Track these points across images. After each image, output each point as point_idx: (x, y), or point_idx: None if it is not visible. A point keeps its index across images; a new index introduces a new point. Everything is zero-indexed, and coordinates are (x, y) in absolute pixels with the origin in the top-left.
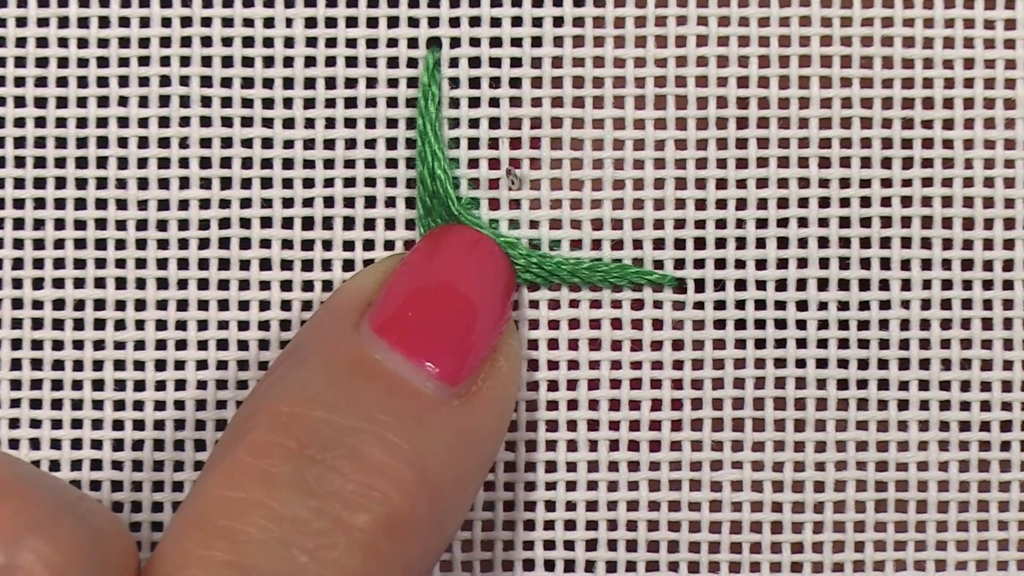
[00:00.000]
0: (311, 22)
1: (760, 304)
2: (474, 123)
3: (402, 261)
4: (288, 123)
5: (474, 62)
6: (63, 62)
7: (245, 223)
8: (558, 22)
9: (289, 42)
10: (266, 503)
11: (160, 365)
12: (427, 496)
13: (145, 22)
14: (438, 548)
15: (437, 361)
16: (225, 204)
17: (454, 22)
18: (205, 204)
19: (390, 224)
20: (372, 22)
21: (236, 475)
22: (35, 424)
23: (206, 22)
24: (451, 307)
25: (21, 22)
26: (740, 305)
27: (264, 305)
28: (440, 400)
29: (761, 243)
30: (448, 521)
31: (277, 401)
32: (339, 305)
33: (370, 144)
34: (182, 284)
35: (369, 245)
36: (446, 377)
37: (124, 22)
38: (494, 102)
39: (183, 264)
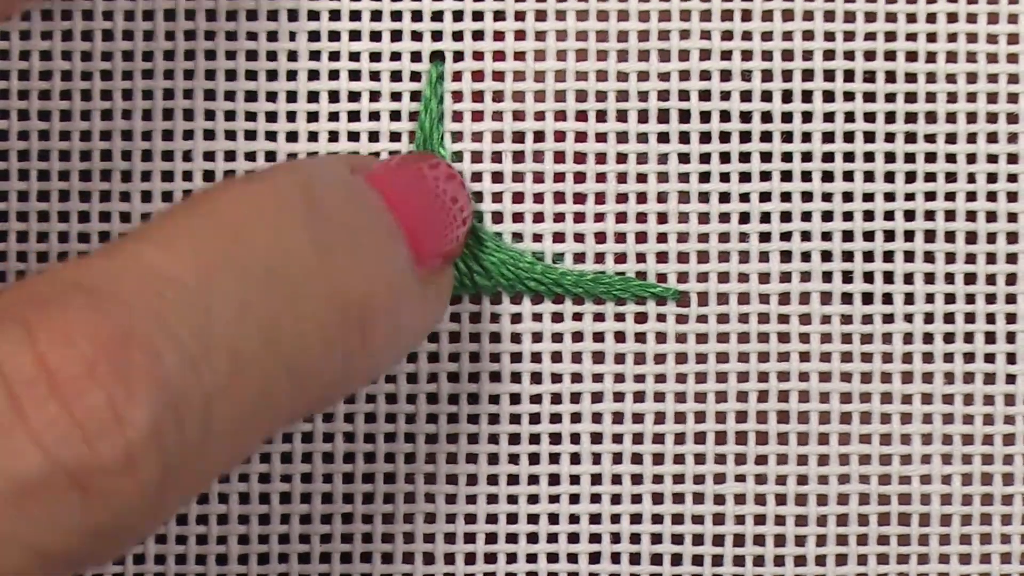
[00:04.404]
0: (314, 35)
1: (763, 317)
2: (477, 136)
3: (390, 158)
4: (291, 136)
5: (477, 76)
6: (67, 75)
7: None
8: (561, 36)
9: (292, 55)
10: (274, 224)
11: None
12: (391, 317)
13: (149, 35)
14: (368, 377)
15: (414, 235)
16: None
17: (457, 35)
18: None
19: None
20: (375, 35)
21: (257, 192)
22: None
23: (210, 35)
24: (426, 208)
25: (25, 35)
26: (743, 318)
27: None
28: (410, 262)
29: (764, 256)
30: (382, 360)
31: (295, 170)
32: (328, 158)
33: (374, 157)
34: None
35: None
36: (416, 250)
37: (128, 35)
38: (497, 116)
39: None
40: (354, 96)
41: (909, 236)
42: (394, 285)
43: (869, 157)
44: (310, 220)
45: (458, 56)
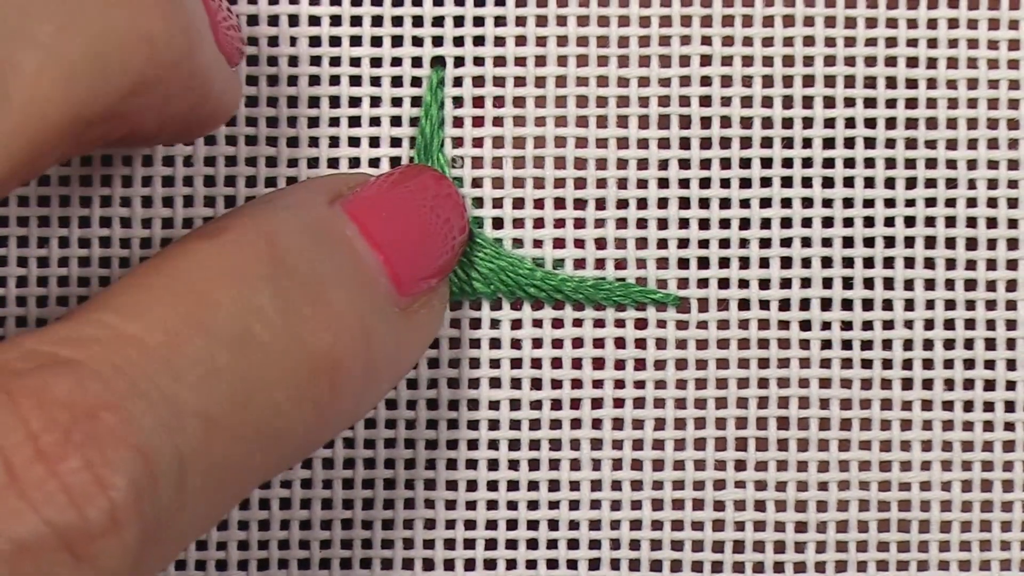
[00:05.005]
0: (315, 40)
1: (763, 323)
2: (477, 142)
3: (377, 176)
4: (292, 142)
5: (478, 81)
6: None
7: None
8: (562, 41)
9: (293, 61)
10: (237, 284)
11: None
12: (364, 362)
13: None
14: (346, 424)
15: (392, 266)
16: None
17: (458, 41)
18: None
19: None
20: (376, 41)
21: (216, 252)
22: None
23: None
24: (413, 231)
25: None
26: (743, 324)
27: None
28: (387, 296)
29: (765, 262)
30: (363, 403)
31: (259, 219)
32: (311, 186)
33: (374, 163)
34: None
35: None
36: (396, 281)
37: None
38: (497, 121)
39: None
40: (355, 101)
41: (909, 242)
42: (368, 328)
43: (870, 163)
44: (274, 276)
45: (459, 61)
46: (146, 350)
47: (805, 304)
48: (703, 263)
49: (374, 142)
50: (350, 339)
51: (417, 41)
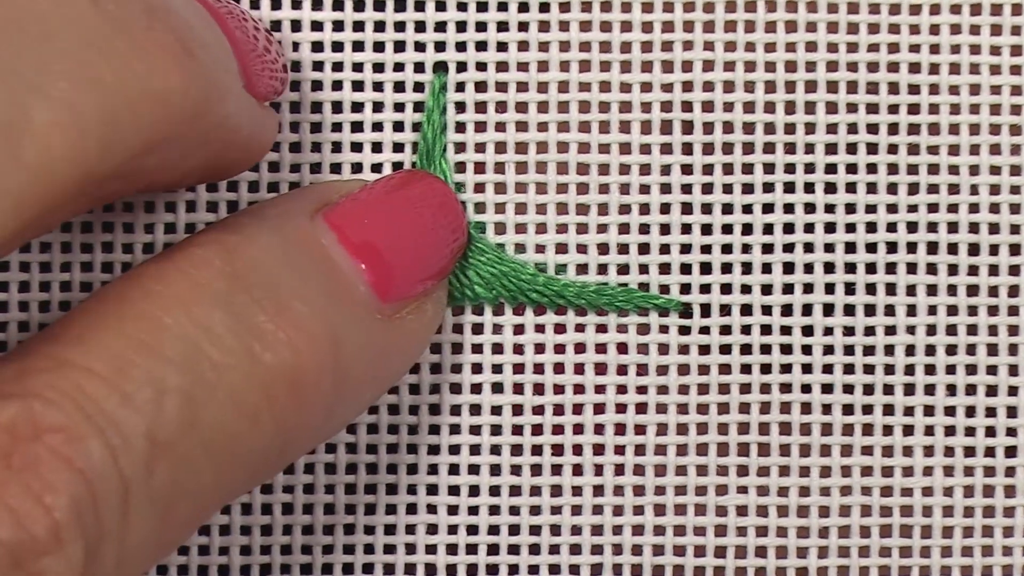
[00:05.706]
0: (318, 46)
1: (766, 329)
2: (480, 147)
3: (374, 182)
4: (295, 147)
5: (480, 87)
6: None
7: None
8: (564, 46)
9: (295, 66)
10: (187, 304)
11: None
12: (333, 374)
13: None
14: (319, 437)
15: (375, 272)
16: None
17: (460, 46)
18: None
19: None
20: (379, 46)
21: (167, 274)
22: None
23: None
24: (403, 236)
25: None
26: (746, 330)
27: None
28: (366, 304)
29: (767, 268)
30: (338, 415)
31: (226, 234)
32: (299, 195)
33: (376, 168)
34: None
35: None
36: (378, 288)
37: None
38: (500, 126)
39: None
40: (357, 107)
41: (912, 248)
42: (339, 339)
43: (872, 168)
44: (229, 293)
45: (461, 67)
46: (92, 375)
47: (807, 309)
48: (705, 268)
49: (376, 147)
50: (315, 352)
51: (419, 46)
